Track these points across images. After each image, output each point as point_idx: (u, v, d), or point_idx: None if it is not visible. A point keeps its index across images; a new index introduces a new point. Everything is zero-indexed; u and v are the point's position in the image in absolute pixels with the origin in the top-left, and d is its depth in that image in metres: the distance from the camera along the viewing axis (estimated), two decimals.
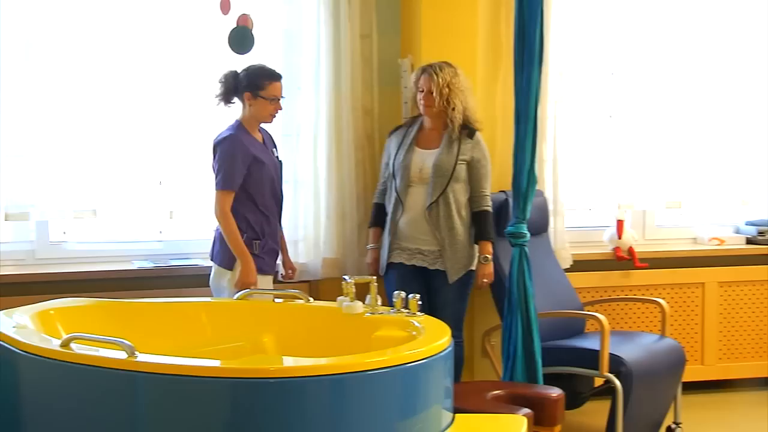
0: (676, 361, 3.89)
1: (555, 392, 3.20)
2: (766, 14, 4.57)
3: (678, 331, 4.49)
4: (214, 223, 3.64)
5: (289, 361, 2.62)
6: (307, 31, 4.05)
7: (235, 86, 3.57)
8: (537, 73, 3.55)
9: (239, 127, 3.59)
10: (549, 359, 3.72)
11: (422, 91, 3.71)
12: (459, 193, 3.73)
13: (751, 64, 4.60)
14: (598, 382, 3.89)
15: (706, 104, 4.60)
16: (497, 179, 4.19)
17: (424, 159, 3.73)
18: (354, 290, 3.14)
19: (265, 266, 3.61)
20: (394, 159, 3.78)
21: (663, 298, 4.19)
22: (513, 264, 3.62)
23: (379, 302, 3.13)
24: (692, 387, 4.38)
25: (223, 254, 3.57)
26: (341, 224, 4.11)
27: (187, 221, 4.16)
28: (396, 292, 3.08)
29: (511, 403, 3.10)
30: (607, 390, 3.66)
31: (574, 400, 3.94)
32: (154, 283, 3.94)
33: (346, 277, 3.20)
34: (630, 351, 3.72)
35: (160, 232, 4.16)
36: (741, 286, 4.58)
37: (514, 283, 3.60)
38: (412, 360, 2.55)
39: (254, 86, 3.54)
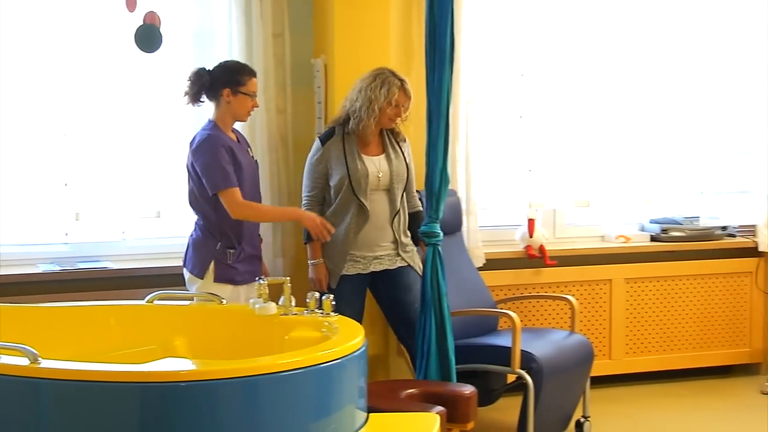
0: (585, 356, 3.98)
1: (468, 389, 3.24)
2: (670, 16, 4.73)
3: (587, 326, 4.61)
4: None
5: (200, 364, 2.57)
6: (219, 30, 4.00)
7: (210, 83, 3.44)
8: (448, 72, 3.58)
9: (215, 126, 3.47)
10: (462, 357, 3.77)
11: (396, 106, 3.67)
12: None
13: (652, 67, 4.75)
14: (511, 378, 3.95)
15: (611, 106, 4.72)
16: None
17: (378, 166, 3.70)
18: (267, 291, 3.12)
19: (238, 276, 3.49)
20: (348, 168, 3.65)
21: (572, 295, 4.29)
22: (427, 263, 3.66)
23: (293, 303, 3.11)
24: (600, 381, 4.52)
25: (194, 261, 3.47)
26: (257, 225, 4.06)
27: (95, 223, 4.05)
28: (310, 293, 3.07)
29: (424, 401, 3.12)
30: (519, 386, 3.72)
31: (487, 397, 4.00)
32: (61, 287, 3.82)
33: (258, 278, 3.18)
34: (541, 347, 3.79)
35: (66, 234, 4.04)
36: (646, 282, 4.73)
37: (428, 281, 3.63)
38: (325, 360, 2.55)
39: (234, 82, 3.44)
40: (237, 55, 3.96)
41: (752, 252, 4.87)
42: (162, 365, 2.52)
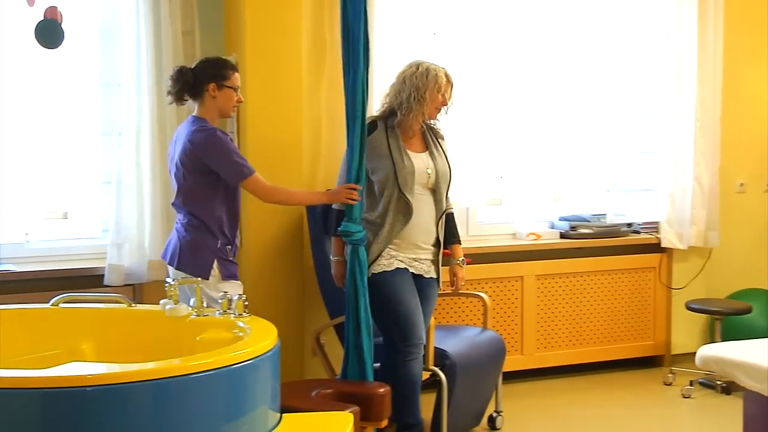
0: (497, 352, 4.05)
1: (381, 388, 3.25)
2: (578, 18, 4.85)
3: (500, 323, 4.69)
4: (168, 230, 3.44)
5: (107, 368, 2.51)
6: (126, 26, 3.91)
7: (195, 80, 3.37)
8: (363, 71, 3.56)
9: (205, 121, 3.37)
10: (377, 355, 3.78)
11: (443, 95, 3.57)
12: None
13: (561, 69, 4.86)
14: (425, 375, 3.98)
15: (522, 107, 4.81)
16: (325, 178, 4.22)
17: (426, 164, 3.58)
18: (178, 293, 3.07)
19: (236, 272, 3.44)
20: (394, 163, 3.50)
21: (485, 292, 4.35)
22: (347, 262, 3.61)
23: (204, 304, 3.07)
24: (513, 376, 4.60)
25: (194, 263, 3.33)
26: (167, 225, 3.99)
27: None
28: (222, 293, 3.04)
29: (338, 400, 3.12)
30: (433, 383, 3.75)
31: None
32: None
33: (168, 279, 3.12)
34: (454, 344, 3.84)
35: None
36: (556, 278, 4.85)
37: (348, 280, 3.60)
38: (237, 361, 2.53)
39: (219, 76, 3.37)
40: (145, 52, 3.88)
41: (655, 248, 5.04)
42: (66, 370, 2.46)
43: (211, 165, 3.31)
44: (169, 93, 3.41)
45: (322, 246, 3.97)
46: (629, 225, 5.04)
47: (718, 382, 4.56)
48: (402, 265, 3.55)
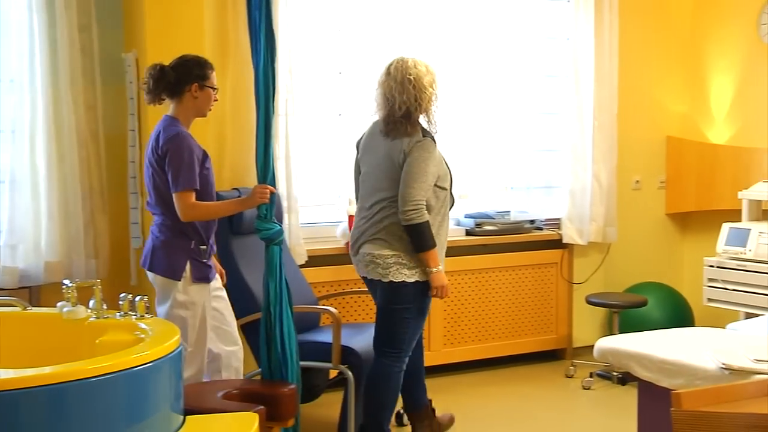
0: None
1: (287, 387, 3.23)
2: (480, 20, 4.93)
3: None
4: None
5: (1, 373, 2.42)
6: (17, 20, 3.77)
7: (177, 79, 3.30)
8: (270, 69, 3.52)
9: (178, 123, 3.31)
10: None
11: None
12: None
13: (463, 68, 4.94)
14: (333, 373, 3.99)
15: None
16: (230, 176, 4.18)
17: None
18: (76, 294, 2.98)
19: (210, 274, 3.40)
20: (447, 166, 3.58)
21: None
22: (272, 262, 3.50)
23: (105, 306, 2.99)
24: None
25: (166, 264, 3.29)
26: (65, 225, 3.89)
27: None
28: (123, 294, 2.97)
29: (244, 400, 3.09)
30: (341, 381, 3.76)
31: (309, 393, 4.01)
32: None
33: (66, 281, 3.03)
34: (361, 342, 3.85)
35: None
36: (462, 275, 4.92)
37: (266, 280, 3.51)
38: (138, 364, 2.48)
39: (202, 76, 3.32)
40: (39, 47, 3.76)
41: (557, 244, 5.18)
42: None
43: (167, 164, 3.25)
44: (148, 92, 3.33)
45: (227, 245, 3.92)
46: (532, 222, 5.16)
47: (615, 373, 4.72)
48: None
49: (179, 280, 3.28)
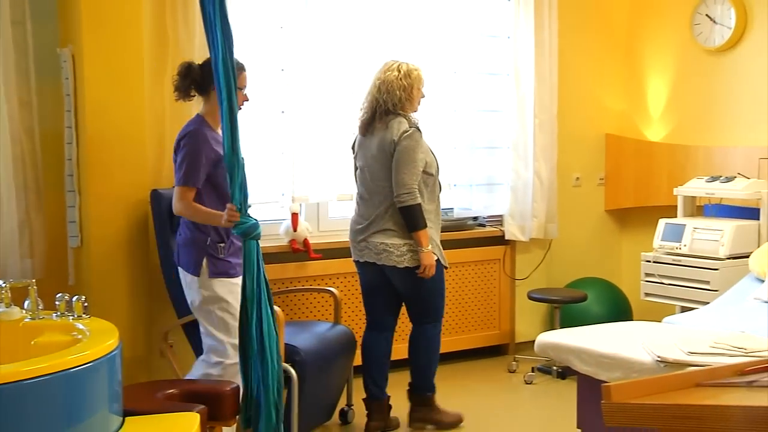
0: (348, 346, 4.09)
1: (230, 386, 3.21)
2: (420, 19, 4.95)
3: (351, 317, 4.74)
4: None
5: None
6: None
7: (202, 78, 3.34)
8: (229, 62, 3.45)
9: (203, 122, 3.39)
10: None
11: (423, 94, 3.99)
12: None
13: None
14: None
15: None
16: (169, 173, 4.11)
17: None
18: (10, 295, 2.91)
19: (231, 270, 3.43)
20: (434, 155, 3.95)
21: (336, 287, 4.39)
22: (250, 260, 3.42)
23: (41, 306, 2.93)
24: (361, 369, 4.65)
25: (188, 260, 3.40)
26: None
27: None
28: (59, 294, 2.92)
29: (185, 400, 3.06)
30: (286, 379, 3.74)
31: None
32: None
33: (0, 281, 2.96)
34: (304, 340, 3.85)
35: None
36: None
37: (246, 277, 3.43)
38: (75, 365, 2.44)
39: None
40: None
41: (500, 240, 5.24)
42: None
43: (177, 158, 3.34)
44: (176, 89, 3.41)
45: (168, 244, 3.87)
46: (475, 218, 5.21)
47: (555, 368, 4.80)
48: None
49: (198, 276, 3.38)
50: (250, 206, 3.20)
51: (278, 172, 4.60)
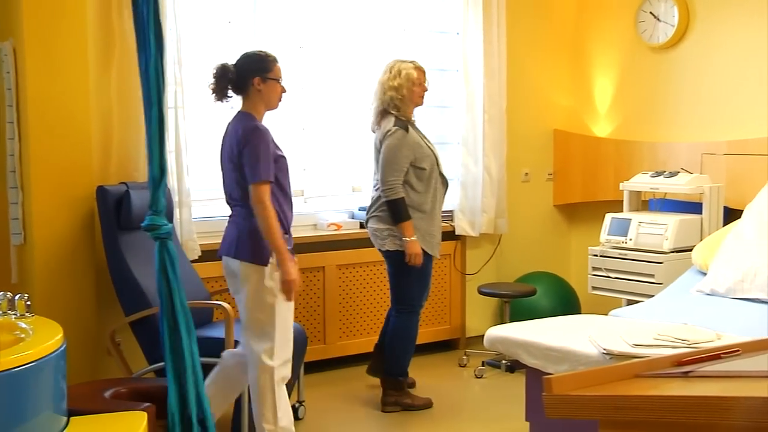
0: (299, 343, 4.05)
1: None
2: (370, 15, 4.96)
3: (302, 313, 4.72)
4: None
5: None
6: None
7: (239, 75, 3.40)
8: (160, 65, 3.43)
9: (254, 118, 3.42)
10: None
11: (421, 84, 4.19)
12: None
13: (357, 62, 4.96)
14: None
15: (319, 99, 4.87)
16: (117, 170, 4.06)
17: (435, 150, 4.26)
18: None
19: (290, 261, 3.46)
20: (433, 151, 4.19)
21: None
22: (156, 258, 3.44)
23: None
24: (315, 366, 4.65)
25: (254, 250, 3.35)
26: None
27: None
28: (1, 293, 2.85)
29: (132, 399, 3.03)
30: None
31: None
32: None
33: None
34: None
35: None
36: (356, 267, 4.94)
37: (159, 277, 3.42)
38: (17, 365, 2.39)
39: (263, 69, 3.42)
40: None
41: (450, 236, 5.26)
42: None
43: (242, 157, 3.33)
44: (213, 91, 3.44)
45: (115, 241, 3.83)
46: None
47: (504, 362, 4.85)
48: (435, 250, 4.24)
49: (266, 266, 3.34)
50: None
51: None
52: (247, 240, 3.40)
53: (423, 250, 4.14)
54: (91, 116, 3.94)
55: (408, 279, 4.21)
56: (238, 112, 3.49)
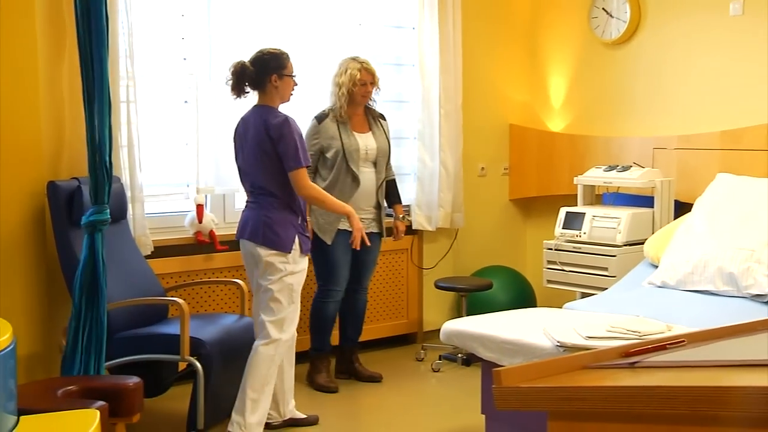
0: (253, 338, 4.05)
1: (132, 381, 3.15)
2: (328, 10, 4.94)
3: None
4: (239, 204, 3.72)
5: None
6: None
7: (258, 72, 3.66)
8: (105, 53, 3.43)
9: (276, 110, 3.70)
10: (131, 348, 3.68)
11: (364, 84, 4.39)
12: None
13: (315, 56, 4.93)
14: (183, 366, 3.92)
15: None
16: (69, 164, 4.00)
17: (366, 142, 4.45)
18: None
19: (307, 247, 3.77)
20: (342, 143, 4.36)
21: (242, 279, 4.34)
22: (87, 250, 3.45)
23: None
24: None
25: (279, 238, 3.64)
26: None
27: None
28: None
29: (84, 397, 2.99)
30: (191, 373, 3.70)
31: (158, 387, 3.94)
32: None
33: None
34: (210, 333, 3.80)
35: None
36: None
37: (87, 270, 3.43)
38: None
39: (279, 66, 3.69)
40: None
41: (408, 230, 5.26)
42: None
43: (277, 148, 3.61)
44: (232, 88, 3.68)
45: (66, 237, 3.77)
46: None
47: (460, 355, 4.88)
48: (344, 227, 4.30)
49: (290, 252, 3.64)
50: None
51: (182, 163, 4.52)
52: (274, 228, 3.67)
53: (318, 236, 4.37)
54: (41, 110, 3.87)
55: (317, 262, 4.49)
56: (257, 105, 3.74)
